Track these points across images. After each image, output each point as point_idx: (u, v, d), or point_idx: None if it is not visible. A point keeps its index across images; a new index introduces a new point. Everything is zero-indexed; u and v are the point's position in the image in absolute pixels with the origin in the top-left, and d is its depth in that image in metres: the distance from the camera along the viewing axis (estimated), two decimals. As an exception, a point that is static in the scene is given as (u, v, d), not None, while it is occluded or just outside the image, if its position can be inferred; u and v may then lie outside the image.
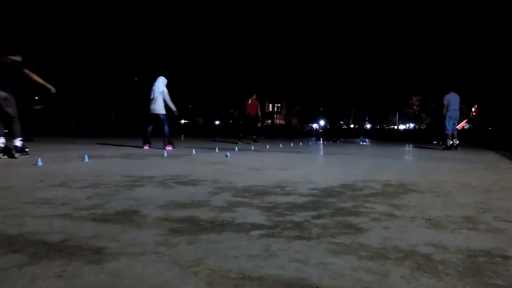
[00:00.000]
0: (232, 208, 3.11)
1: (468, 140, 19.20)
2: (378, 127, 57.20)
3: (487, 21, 38.57)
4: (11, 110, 6.66)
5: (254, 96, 14.37)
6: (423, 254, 2.08)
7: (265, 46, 44.09)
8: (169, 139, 9.86)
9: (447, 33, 42.30)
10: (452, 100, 11.74)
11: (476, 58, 40.46)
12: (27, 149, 6.94)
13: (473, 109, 64.47)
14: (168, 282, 1.65)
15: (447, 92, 11.87)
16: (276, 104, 79.54)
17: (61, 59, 37.38)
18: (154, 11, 41.24)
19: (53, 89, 7.19)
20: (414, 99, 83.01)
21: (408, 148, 13.63)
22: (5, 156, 6.73)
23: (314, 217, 2.86)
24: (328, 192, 3.96)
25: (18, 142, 6.74)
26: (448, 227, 2.67)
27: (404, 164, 7.86)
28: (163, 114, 9.75)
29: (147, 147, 9.78)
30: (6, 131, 6.80)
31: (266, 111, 74.63)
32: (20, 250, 2.01)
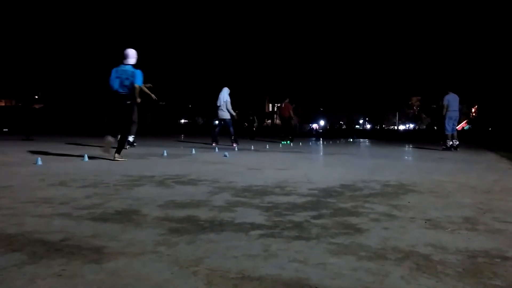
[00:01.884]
0: (231, 208, 3.11)
1: (468, 141, 19.21)
2: (378, 127, 57.20)
3: (487, 22, 38.58)
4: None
5: (287, 100, 16.12)
6: (422, 254, 2.08)
7: (265, 46, 44.08)
8: (235, 138, 11.84)
9: (447, 33, 42.31)
10: (452, 100, 11.75)
11: (476, 59, 40.47)
12: (135, 144, 9.59)
13: (473, 110, 64.50)
14: (168, 282, 1.65)
15: (446, 93, 11.86)
16: (276, 104, 79.48)
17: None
18: (154, 12, 41.24)
19: (154, 97, 8.87)
20: (414, 99, 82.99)
21: (408, 148, 13.63)
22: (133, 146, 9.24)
23: (314, 217, 2.86)
24: (328, 192, 3.96)
25: (131, 138, 9.06)
26: (448, 227, 2.67)
27: (404, 164, 7.86)
28: (228, 118, 11.75)
29: (214, 144, 11.65)
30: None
31: (266, 111, 74.55)
32: (19, 249, 2.01)
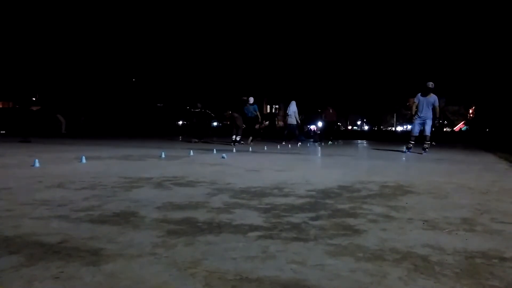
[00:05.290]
0: (230, 210, 3.11)
1: (466, 142, 19.26)
2: (376, 128, 57.33)
3: (485, 23, 38.73)
4: (239, 123, 13.27)
5: (331, 107, 19.33)
6: (420, 255, 2.09)
7: (262, 47, 44.12)
8: (289, 140, 15.63)
9: (445, 34, 42.44)
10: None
11: (473, 60, 40.61)
12: (242, 142, 13.38)
13: (470, 111, 64.68)
14: (166, 284, 1.64)
15: (427, 94, 11.50)
16: (274, 106, 79.45)
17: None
18: (153, 12, 41.21)
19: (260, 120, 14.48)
20: (412, 100, 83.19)
21: (406, 149, 13.62)
22: (235, 144, 12.76)
23: (312, 219, 2.86)
24: (326, 193, 3.97)
25: (238, 138, 13.12)
26: (445, 228, 2.67)
27: (402, 165, 7.88)
28: (294, 124, 15.75)
29: (284, 143, 14.80)
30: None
31: (264, 112, 74.55)
32: (17, 251, 2.01)
